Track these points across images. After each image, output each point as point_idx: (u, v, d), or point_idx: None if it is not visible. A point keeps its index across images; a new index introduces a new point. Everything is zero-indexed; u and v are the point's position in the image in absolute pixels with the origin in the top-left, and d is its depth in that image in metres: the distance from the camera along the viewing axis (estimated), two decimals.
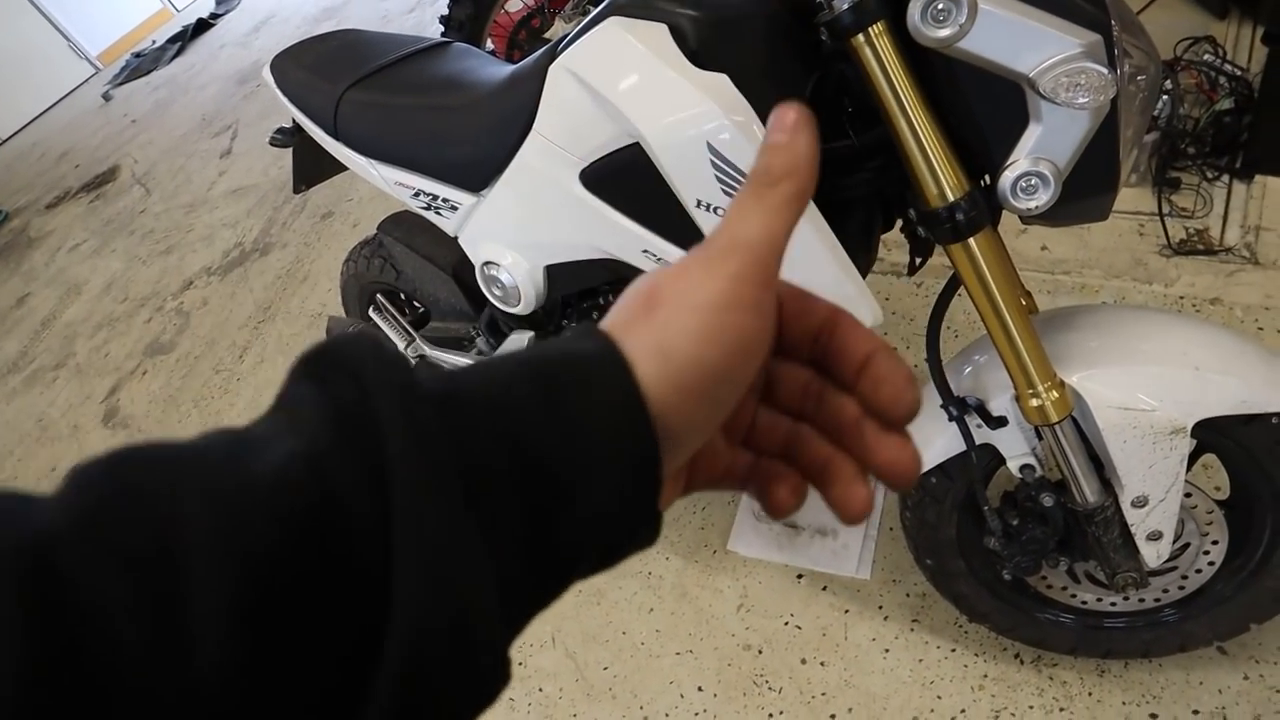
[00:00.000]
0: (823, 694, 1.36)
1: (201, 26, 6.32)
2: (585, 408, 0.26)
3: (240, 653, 0.20)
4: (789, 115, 0.31)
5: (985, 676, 1.30)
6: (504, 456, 0.24)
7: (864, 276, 1.04)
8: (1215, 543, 1.08)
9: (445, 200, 1.21)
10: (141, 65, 6.20)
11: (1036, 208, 0.78)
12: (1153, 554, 1.01)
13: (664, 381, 0.27)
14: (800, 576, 1.51)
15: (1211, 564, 1.09)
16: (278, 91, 1.40)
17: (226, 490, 0.21)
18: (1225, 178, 1.84)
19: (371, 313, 1.63)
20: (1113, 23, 0.72)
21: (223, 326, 2.86)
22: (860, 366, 0.32)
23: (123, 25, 7.10)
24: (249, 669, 0.20)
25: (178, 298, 3.16)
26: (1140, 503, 0.97)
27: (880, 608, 1.43)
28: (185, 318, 3.02)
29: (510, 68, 1.15)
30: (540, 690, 1.51)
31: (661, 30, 0.85)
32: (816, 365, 0.34)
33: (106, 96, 5.97)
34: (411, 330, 1.56)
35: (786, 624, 1.46)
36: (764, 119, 0.81)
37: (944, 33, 0.71)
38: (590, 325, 0.29)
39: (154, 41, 6.66)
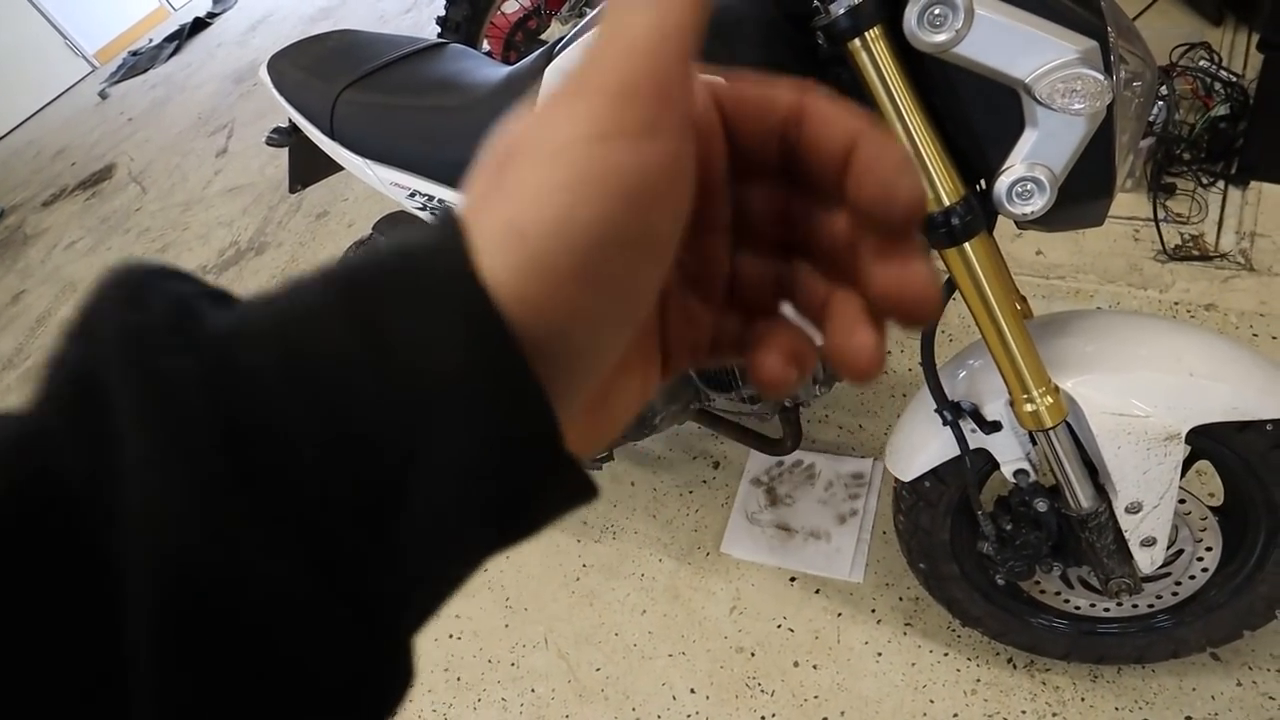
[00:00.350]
0: (815, 697, 1.35)
1: (198, 25, 6.31)
2: (416, 336, 0.18)
3: None
4: None
5: (978, 681, 1.30)
6: (301, 420, 0.17)
7: None
8: (1209, 549, 1.08)
9: (441, 201, 1.20)
10: (138, 64, 6.19)
11: (1032, 213, 0.78)
12: (1146, 560, 1.01)
13: (524, 271, 0.19)
14: (793, 579, 1.51)
15: (1205, 570, 1.09)
16: (274, 91, 1.40)
17: None
18: (1220, 184, 1.85)
19: None
20: (1109, 29, 0.72)
21: None
22: (842, 161, 0.23)
23: (120, 23, 7.08)
24: None
25: None
26: (1134, 508, 0.97)
27: (873, 611, 1.42)
28: None
29: (507, 69, 1.15)
30: (533, 691, 1.51)
31: None
32: (791, 174, 0.25)
33: (103, 94, 5.95)
34: None
35: (779, 627, 1.46)
36: None
37: (940, 38, 0.71)
38: (442, 217, 0.20)
39: (151, 40, 6.65)
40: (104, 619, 0.17)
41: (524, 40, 2.63)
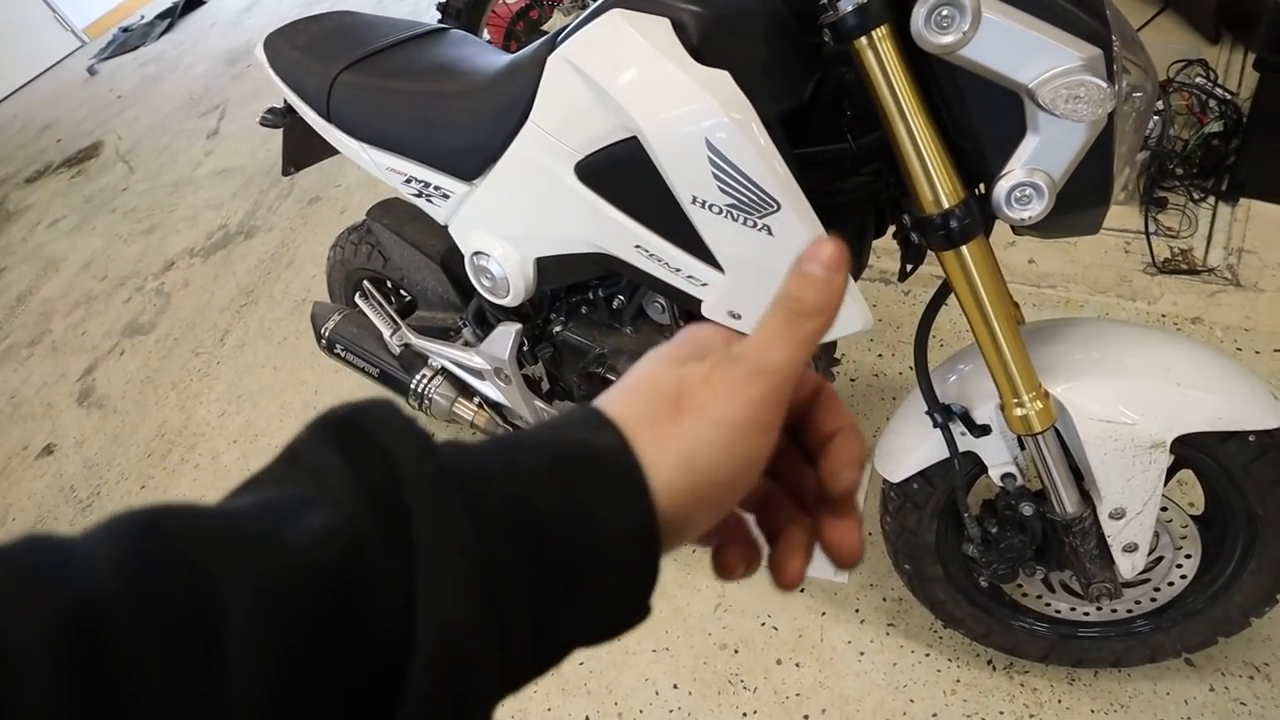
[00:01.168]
0: (797, 695, 1.36)
1: (192, 3, 6.23)
2: (602, 512, 0.28)
3: None
4: (827, 250, 0.32)
5: (958, 682, 1.31)
6: (526, 551, 0.27)
7: (856, 280, 1.05)
8: (1188, 556, 1.09)
9: (437, 188, 1.20)
10: (129, 40, 6.11)
11: (1030, 218, 0.78)
12: (1128, 565, 1.03)
13: (683, 488, 0.29)
14: None
15: (1184, 577, 1.11)
16: (270, 71, 1.39)
17: (264, 565, 0.23)
18: (1211, 199, 1.87)
19: (358, 299, 1.61)
20: (1114, 38, 0.73)
21: (204, 309, 2.82)
22: (825, 440, 0.35)
23: None
24: None
25: (159, 278, 3.12)
26: (1118, 515, 0.98)
27: (857, 611, 1.43)
28: (166, 298, 2.97)
29: (508, 57, 1.14)
30: None
31: (664, 24, 0.84)
32: (793, 432, 0.36)
33: (92, 71, 5.87)
34: (397, 318, 1.54)
35: (763, 625, 1.46)
36: (764, 117, 0.82)
37: (947, 39, 0.71)
38: (601, 415, 0.31)
39: (142, 17, 6.56)
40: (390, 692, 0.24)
41: (525, 30, 2.62)
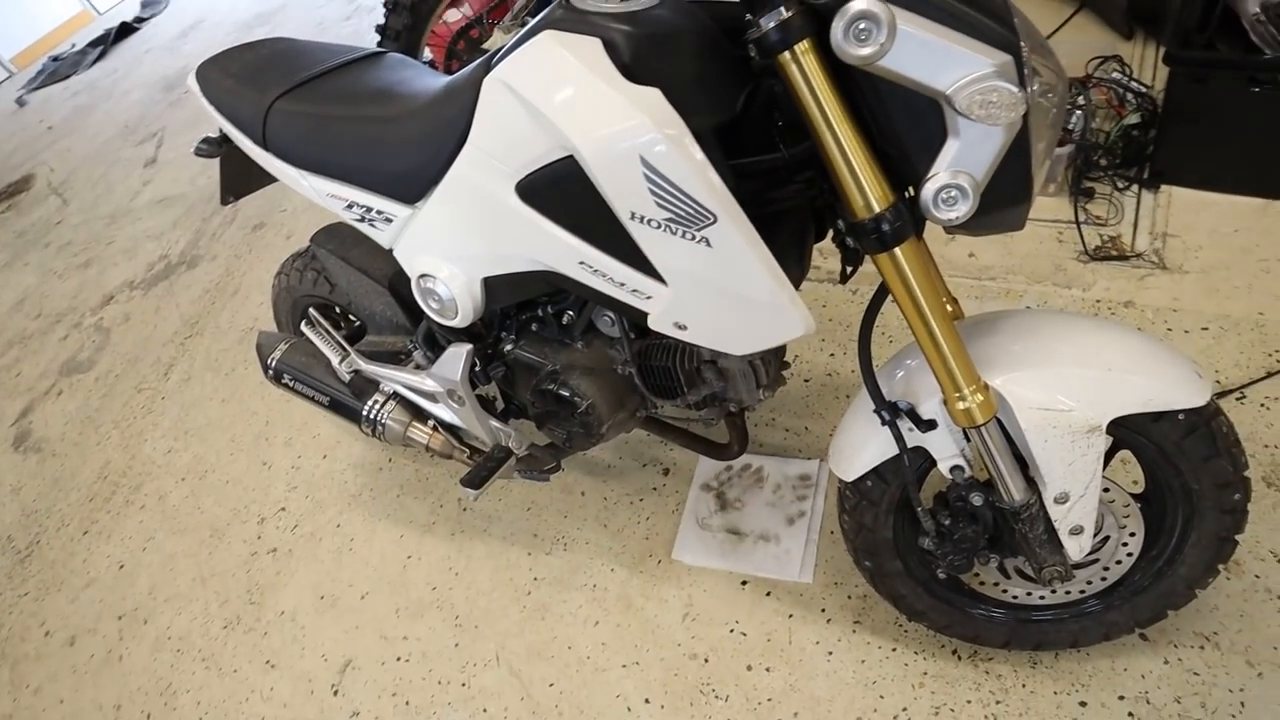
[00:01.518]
0: (769, 700, 1.37)
1: (125, 30, 6.10)
2: None
3: None
4: None
5: (925, 674, 1.33)
6: None
7: (798, 287, 1.06)
8: (1133, 535, 1.13)
9: (379, 212, 1.19)
10: (59, 69, 5.95)
11: (957, 218, 0.81)
12: (1075, 548, 1.06)
13: None
14: (744, 583, 1.53)
15: (1130, 555, 1.15)
16: (203, 100, 1.37)
17: None
18: (1135, 188, 1.95)
19: (304, 327, 1.59)
20: (1022, 44, 0.76)
21: (146, 343, 2.75)
22: None
23: (39, 28, 6.79)
24: None
25: (97, 313, 3.03)
26: (1062, 499, 1.01)
27: (823, 610, 1.45)
28: (105, 334, 2.90)
29: (446, 79, 1.14)
30: (485, 711, 1.49)
31: (595, 44, 0.85)
32: None
33: (20, 101, 5.70)
34: (346, 345, 1.53)
35: (732, 631, 1.47)
36: (696, 132, 0.83)
37: (865, 51, 0.73)
38: None
39: (73, 45, 6.40)
40: None
41: (466, 49, 2.62)
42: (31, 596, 2.04)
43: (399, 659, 1.62)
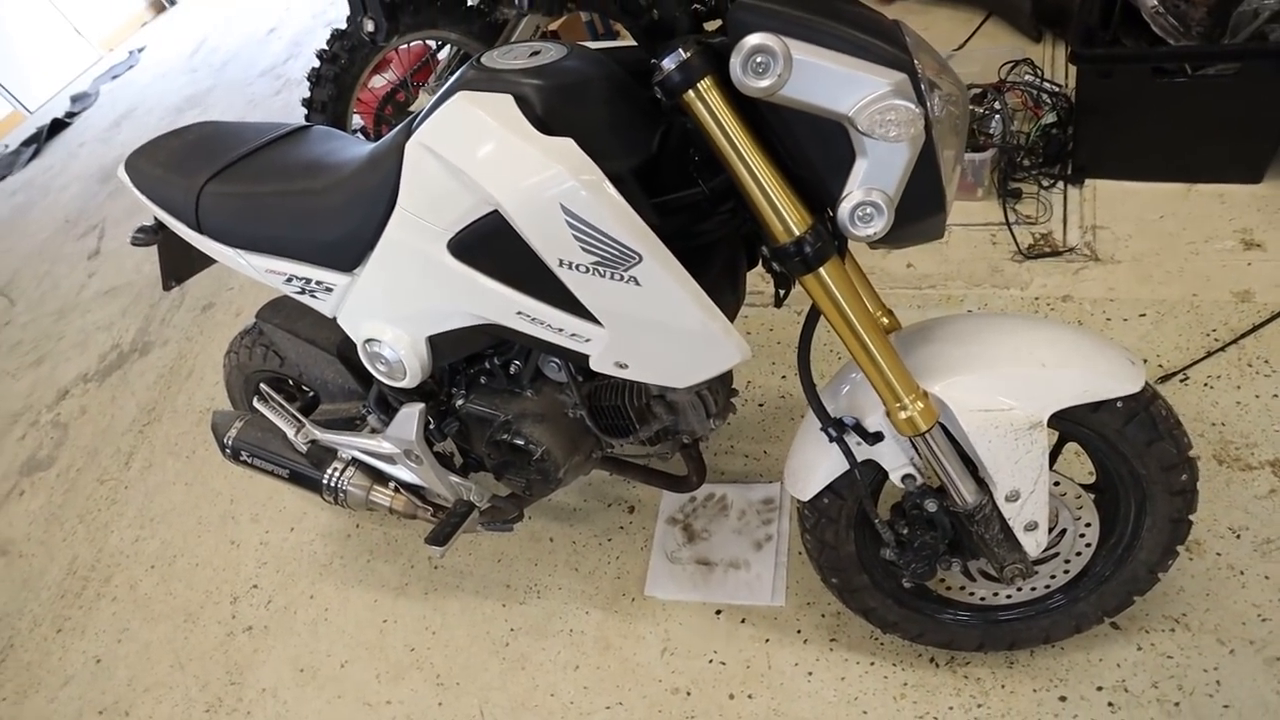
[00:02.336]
0: None
1: (57, 126, 6.05)
2: None
3: None
4: None
5: (905, 685, 1.33)
6: None
7: (735, 314, 1.08)
8: (1089, 525, 1.15)
9: (319, 283, 1.20)
10: None
11: (875, 233, 0.83)
12: (1032, 543, 1.07)
13: None
14: (719, 612, 1.52)
15: (1089, 545, 1.16)
16: (135, 191, 1.37)
17: None
18: (1060, 184, 2.01)
19: (256, 403, 1.58)
20: (915, 61, 0.79)
21: (105, 434, 2.70)
22: None
23: None
24: None
25: (53, 409, 2.97)
26: (1013, 497, 1.03)
27: (799, 632, 1.45)
28: (63, 429, 2.84)
29: (370, 146, 1.16)
30: None
31: (507, 101, 0.87)
32: None
33: None
34: (300, 416, 1.52)
35: (711, 661, 1.46)
36: (613, 175, 0.85)
37: (765, 83, 0.76)
38: None
39: (6, 146, 6.33)
40: None
41: (394, 113, 2.64)
42: (10, 701, 1.98)
43: None
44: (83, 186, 4.78)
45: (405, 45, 2.58)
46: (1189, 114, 1.80)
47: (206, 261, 1.47)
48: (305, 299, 1.24)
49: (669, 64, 0.79)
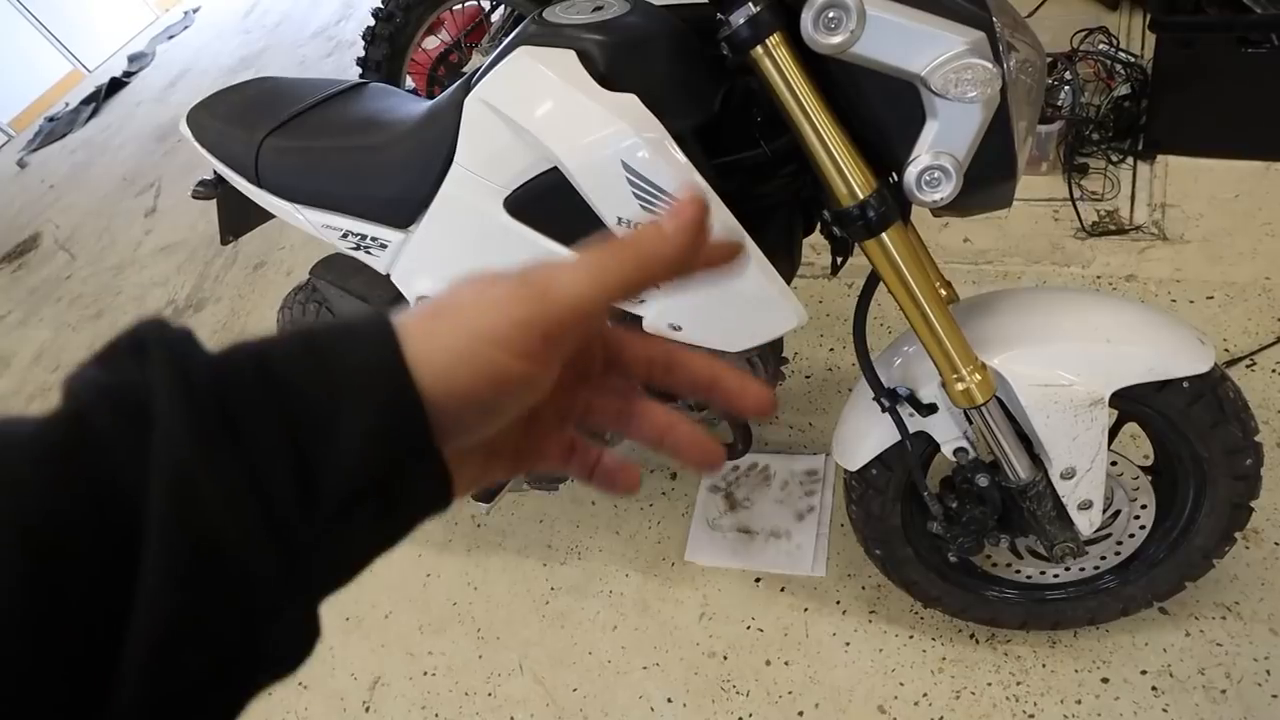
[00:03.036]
0: (789, 693, 1.37)
1: (115, 86, 6.18)
2: (343, 349, 0.27)
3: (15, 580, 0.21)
4: (688, 209, 0.31)
5: (944, 659, 1.33)
6: (257, 384, 0.25)
7: (790, 281, 1.07)
8: (1144, 507, 1.12)
9: (374, 239, 1.21)
10: (55, 129, 6.03)
11: (942, 199, 0.81)
12: (1086, 523, 1.05)
13: (441, 372, 0.28)
14: (758, 580, 1.53)
15: (1143, 528, 1.14)
16: (196, 144, 1.39)
17: None
18: (1130, 160, 1.94)
19: None
20: (994, 19, 0.76)
21: None
22: (708, 384, 0.36)
23: (32, 90, 6.89)
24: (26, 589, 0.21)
25: None
26: (1069, 474, 1.01)
27: (838, 603, 1.45)
28: None
29: (428, 103, 1.16)
30: (512, 718, 1.50)
31: (570, 56, 0.87)
32: (655, 386, 0.38)
33: (21, 163, 5.79)
34: None
35: (749, 628, 1.47)
36: (676, 133, 0.84)
37: (836, 39, 0.74)
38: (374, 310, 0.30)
39: (67, 104, 6.49)
40: (121, 573, 0.22)
41: (446, 74, 2.64)
42: None
43: (425, 673, 1.63)
44: (139, 145, 4.88)
45: (459, 6, 2.57)
46: (1274, 87, 1.72)
47: (264, 217, 1.49)
48: (360, 255, 1.26)
49: (737, 19, 0.77)
